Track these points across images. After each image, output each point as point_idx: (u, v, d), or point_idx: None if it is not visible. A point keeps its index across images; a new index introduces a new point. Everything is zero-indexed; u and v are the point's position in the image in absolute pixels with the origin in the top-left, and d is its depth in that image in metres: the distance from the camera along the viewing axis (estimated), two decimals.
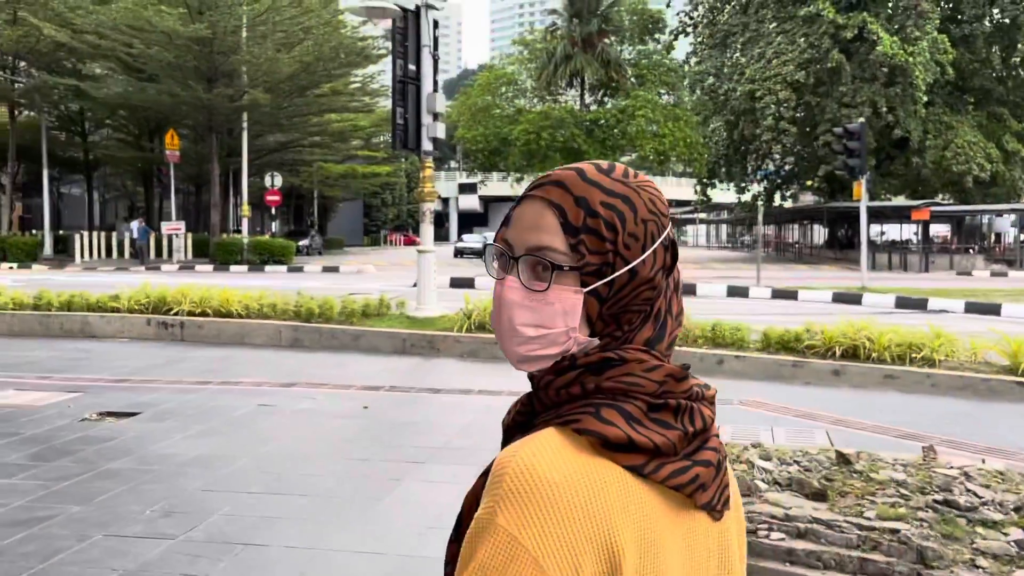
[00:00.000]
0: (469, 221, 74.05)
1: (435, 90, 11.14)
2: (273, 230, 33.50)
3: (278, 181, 29.64)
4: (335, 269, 28.31)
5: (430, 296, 11.26)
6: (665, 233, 0.92)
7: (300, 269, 27.85)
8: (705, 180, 42.11)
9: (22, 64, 31.47)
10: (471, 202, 75.34)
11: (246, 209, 29.70)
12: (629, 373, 0.88)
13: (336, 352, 10.42)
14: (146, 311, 11.82)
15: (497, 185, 71.02)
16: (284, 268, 28.21)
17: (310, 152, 37.50)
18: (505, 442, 0.95)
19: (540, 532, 0.79)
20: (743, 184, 42.17)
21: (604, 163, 0.94)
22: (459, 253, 42.58)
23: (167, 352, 10.38)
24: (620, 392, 0.88)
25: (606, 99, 38.91)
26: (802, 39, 32.86)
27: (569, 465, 0.82)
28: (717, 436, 0.93)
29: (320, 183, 46.70)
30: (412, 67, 10.92)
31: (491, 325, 0.96)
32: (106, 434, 6.18)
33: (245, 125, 28.47)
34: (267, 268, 28.08)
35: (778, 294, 17.79)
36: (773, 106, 32.42)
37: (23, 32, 28.05)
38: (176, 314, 11.60)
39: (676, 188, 72.88)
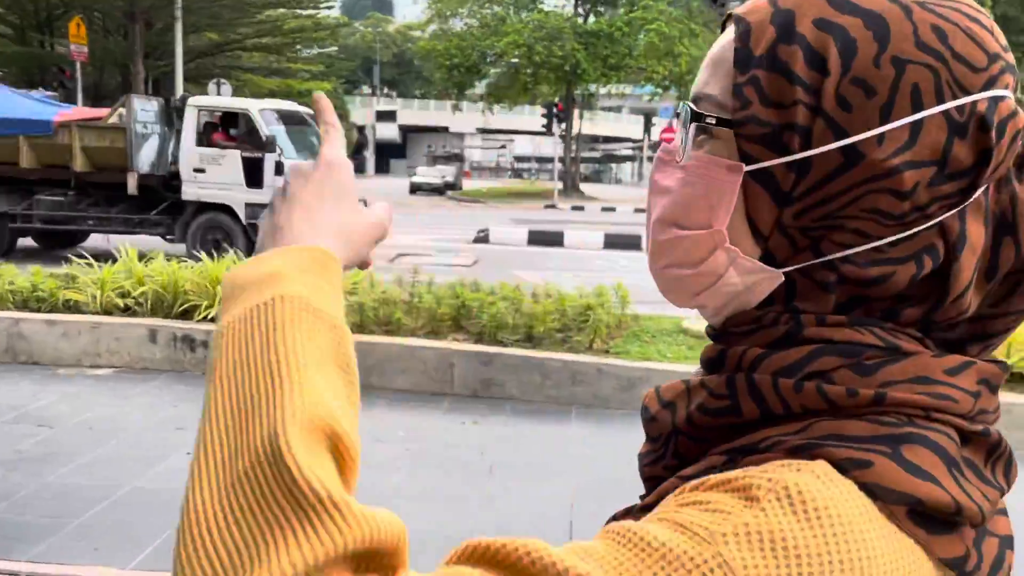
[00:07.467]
0: (386, 153, 66.68)
1: None
2: None
3: (226, 92, 23.04)
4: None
5: None
6: (970, 98, 0.47)
7: None
8: None
9: None
10: (390, 131, 66.94)
11: None
12: (927, 377, 0.48)
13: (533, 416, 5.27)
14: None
15: (415, 114, 64.01)
16: None
17: (249, 58, 30.41)
18: (678, 457, 0.54)
19: None
20: None
21: None
22: (416, 189, 36.70)
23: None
24: (920, 411, 0.48)
25: (600, 8, 33.38)
26: None
27: (885, 540, 0.44)
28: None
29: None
30: None
31: None
32: None
33: (179, 14, 21.65)
34: None
35: None
36: None
37: None
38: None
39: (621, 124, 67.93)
